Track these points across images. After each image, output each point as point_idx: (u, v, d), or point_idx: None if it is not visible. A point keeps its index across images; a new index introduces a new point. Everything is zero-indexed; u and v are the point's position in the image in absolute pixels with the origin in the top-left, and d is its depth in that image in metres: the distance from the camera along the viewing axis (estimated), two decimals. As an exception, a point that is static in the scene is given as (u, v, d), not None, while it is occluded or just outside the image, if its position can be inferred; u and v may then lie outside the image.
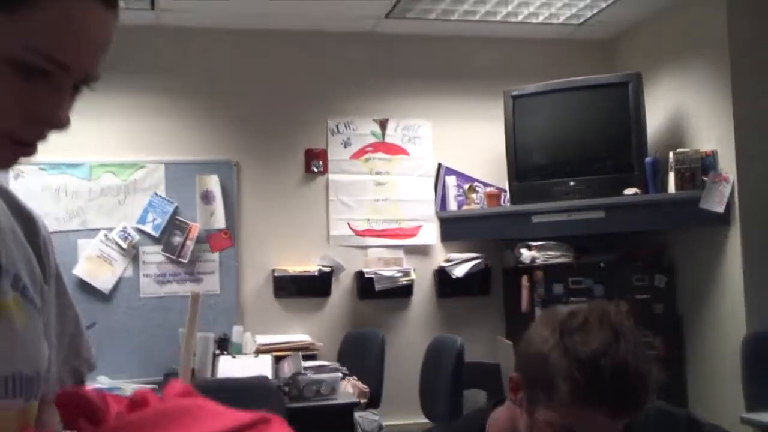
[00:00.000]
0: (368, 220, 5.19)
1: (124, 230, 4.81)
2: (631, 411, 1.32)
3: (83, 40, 0.79)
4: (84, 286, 4.71)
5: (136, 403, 0.80)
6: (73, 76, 0.80)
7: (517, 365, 1.42)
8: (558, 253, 4.80)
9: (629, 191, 4.56)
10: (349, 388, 4.24)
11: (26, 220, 0.97)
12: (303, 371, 3.75)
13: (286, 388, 3.61)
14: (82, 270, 4.72)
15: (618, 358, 1.28)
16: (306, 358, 4.45)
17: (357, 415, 4.12)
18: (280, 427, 0.75)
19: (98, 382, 4.35)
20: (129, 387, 4.30)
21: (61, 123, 0.80)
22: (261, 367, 3.86)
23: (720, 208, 4.32)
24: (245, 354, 4.39)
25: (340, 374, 3.95)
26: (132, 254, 4.83)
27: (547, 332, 1.34)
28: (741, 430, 3.67)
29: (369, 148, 5.23)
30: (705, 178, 4.41)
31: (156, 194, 4.89)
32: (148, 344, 4.77)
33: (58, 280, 0.99)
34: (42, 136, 0.81)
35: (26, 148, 0.80)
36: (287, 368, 3.84)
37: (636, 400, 1.32)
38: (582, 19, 5.01)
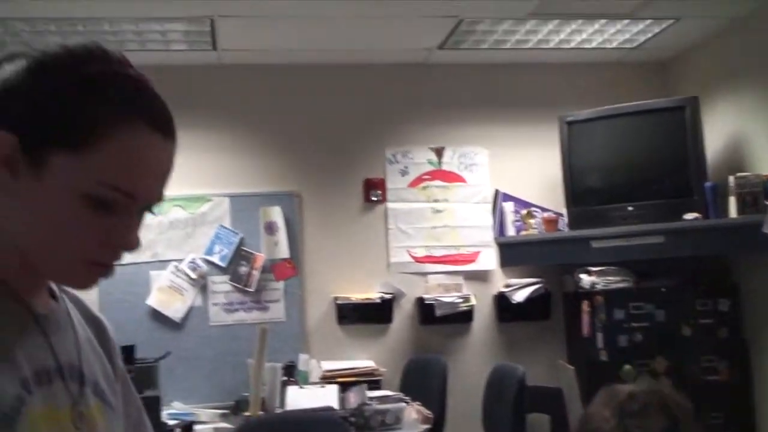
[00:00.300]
0: (427, 246, 5.28)
1: (192, 261, 4.99)
2: None
3: (146, 170, 0.88)
4: (156, 316, 4.91)
5: None
6: (140, 203, 0.89)
7: None
8: (618, 278, 4.81)
9: (689, 216, 4.55)
10: (413, 414, 4.32)
11: (97, 326, 1.08)
12: (368, 401, 3.85)
13: (352, 419, 3.71)
14: (154, 300, 4.92)
15: None
16: (370, 383, 4.56)
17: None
18: None
19: (172, 408, 4.53)
20: (202, 412, 4.47)
21: (131, 246, 0.90)
22: (327, 397, 3.97)
23: (783, 232, 4.28)
24: (312, 383, 4.51)
25: (404, 404, 4.03)
26: (201, 284, 5.01)
27: (608, 413, 1.41)
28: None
29: (426, 176, 5.33)
30: (767, 203, 4.38)
31: (222, 226, 5.06)
32: (218, 371, 4.94)
33: (124, 377, 1.11)
34: (117, 257, 0.91)
35: (104, 268, 0.91)
36: (353, 399, 3.94)
37: None
38: (636, 44, 5.04)
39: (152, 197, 0.90)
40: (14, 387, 0.83)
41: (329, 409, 3.77)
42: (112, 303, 4.54)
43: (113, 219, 0.87)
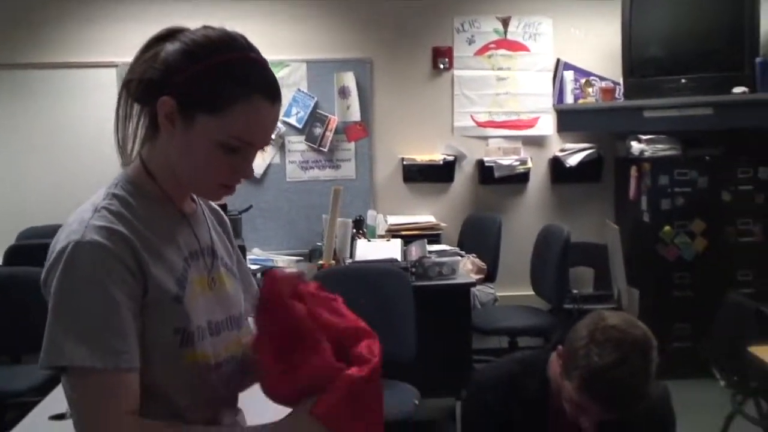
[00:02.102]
0: (489, 112, 5.62)
1: (272, 122, 5.46)
2: (620, 412, 1.75)
3: (261, 127, 1.28)
4: (240, 172, 5.44)
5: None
6: (256, 147, 1.30)
7: (564, 342, 1.85)
8: (666, 146, 5.08)
9: (738, 90, 4.77)
10: (468, 265, 4.81)
11: (218, 216, 1.54)
12: (428, 255, 4.32)
13: (413, 269, 4.20)
14: (237, 157, 5.43)
15: (617, 375, 1.69)
16: (431, 237, 5.03)
17: (475, 289, 4.69)
18: (376, 342, 1.31)
19: (253, 254, 5.12)
20: (279, 258, 5.04)
21: (249, 175, 1.32)
22: (392, 250, 4.43)
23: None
24: (379, 236, 5.02)
25: (459, 258, 4.50)
26: (279, 143, 5.50)
27: (585, 332, 1.76)
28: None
29: (492, 45, 5.60)
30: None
31: (299, 90, 5.49)
32: (294, 222, 5.53)
33: (237, 252, 1.57)
34: (238, 181, 1.33)
35: (229, 189, 1.33)
36: (414, 252, 4.40)
37: (624, 407, 1.74)
38: None
39: (264, 143, 1.32)
40: (181, 261, 1.32)
41: (393, 260, 4.26)
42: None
43: (238, 158, 1.28)
